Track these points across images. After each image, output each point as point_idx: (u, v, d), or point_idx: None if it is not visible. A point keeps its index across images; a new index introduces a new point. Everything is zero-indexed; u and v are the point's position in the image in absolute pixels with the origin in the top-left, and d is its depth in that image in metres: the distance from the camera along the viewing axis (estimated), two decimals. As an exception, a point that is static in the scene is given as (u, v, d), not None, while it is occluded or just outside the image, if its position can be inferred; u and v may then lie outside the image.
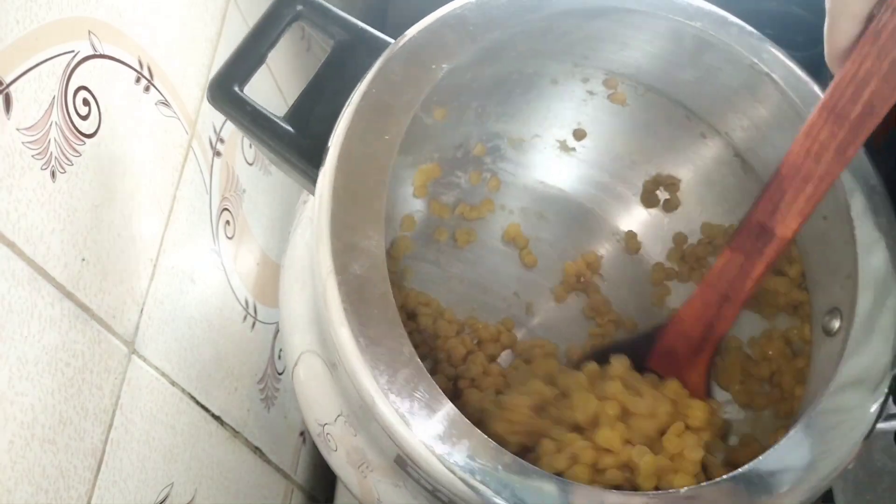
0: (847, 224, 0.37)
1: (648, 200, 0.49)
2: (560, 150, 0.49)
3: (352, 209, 0.33)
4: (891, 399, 0.34)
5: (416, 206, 0.48)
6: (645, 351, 0.41)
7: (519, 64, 0.44)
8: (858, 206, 0.37)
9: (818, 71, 0.41)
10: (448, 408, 0.30)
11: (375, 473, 0.37)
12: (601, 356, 0.41)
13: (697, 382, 0.40)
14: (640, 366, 0.41)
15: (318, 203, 0.33)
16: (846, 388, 0.33)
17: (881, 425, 0.33)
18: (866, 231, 0.36)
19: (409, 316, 0.44)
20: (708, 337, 0.39)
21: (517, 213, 0.50)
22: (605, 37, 0.42)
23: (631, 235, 0.50)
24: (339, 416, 0.37)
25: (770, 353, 0.43)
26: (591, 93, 0.47)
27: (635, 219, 0.51)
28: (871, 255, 0.36)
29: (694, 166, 0.48)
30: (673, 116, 0.46)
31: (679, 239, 0.49)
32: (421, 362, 0.31)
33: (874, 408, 0.33)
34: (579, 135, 0.49)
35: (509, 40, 0.40)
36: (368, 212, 0.33)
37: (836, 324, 0.37)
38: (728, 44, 0.40)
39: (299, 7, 0.38)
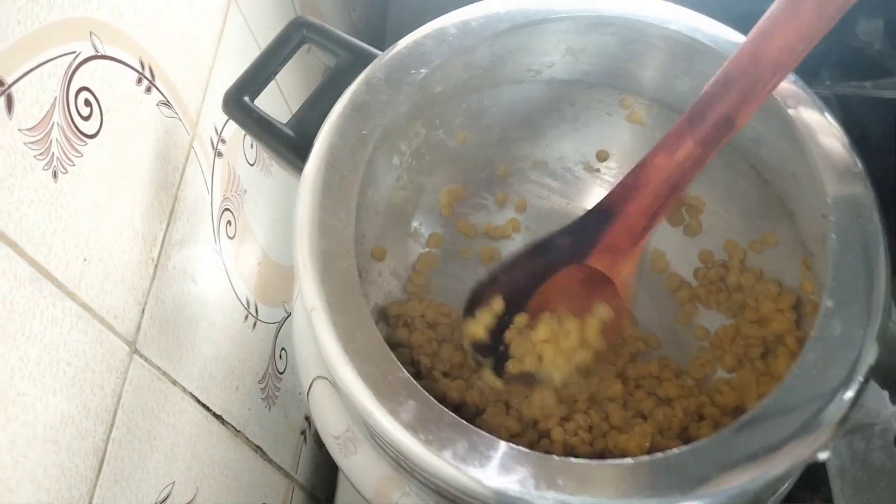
0: (838, 217, 0.36)
1: (673, 219, 0.49)
2: (584, 171, 0.50)
3: (328, 194, 0.37)
4: (889, 399, 0.33)
5: (443, 224, 0.50)
6: (584, 244, 0.41)
7: (530, 86, 0.46)
8: (841, 194, 0.36)
9: (816, 72, 0.41)
10: (403, 373, 0.32)
11: (388, 481, 0.38)
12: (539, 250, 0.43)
13: (630, 270, 0.40)
14: (577, 259, 0.41)
15: (300, 191, 0.37)
16: (815, 372, 0.32)
17: (878, 420, 0.33)
18: (846, 219, 0.36)
19: (430, 325, 0.46)
20: (649, 227, 0.39)
21: (542, 233, 0.50)
22: (594, 51, 0.43)
23: (658, 254, 0.50)
24: (346, 430, 0.40)
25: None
26: (609, 114, 0.47)
27: (661, 237, 0.50)
28: (849, 243, 0.35)
29: (714, 182, 0.47)
30: None
31: (705, 257, 0.48)
32: (374, 326, 0.33)
33: (848, 395, 0.32)
34: (602, 156, 0.49)
35: (505, 56, 0.42)
36: (341, 196, 0.37)
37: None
38: (711, 47, 0.40)
39: (304, 31, 0.43)
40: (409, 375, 0.32)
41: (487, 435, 0.31)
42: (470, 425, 0.31)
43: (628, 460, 0.31)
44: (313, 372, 0.42)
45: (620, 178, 0.49)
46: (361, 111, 0.39)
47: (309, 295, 0.34)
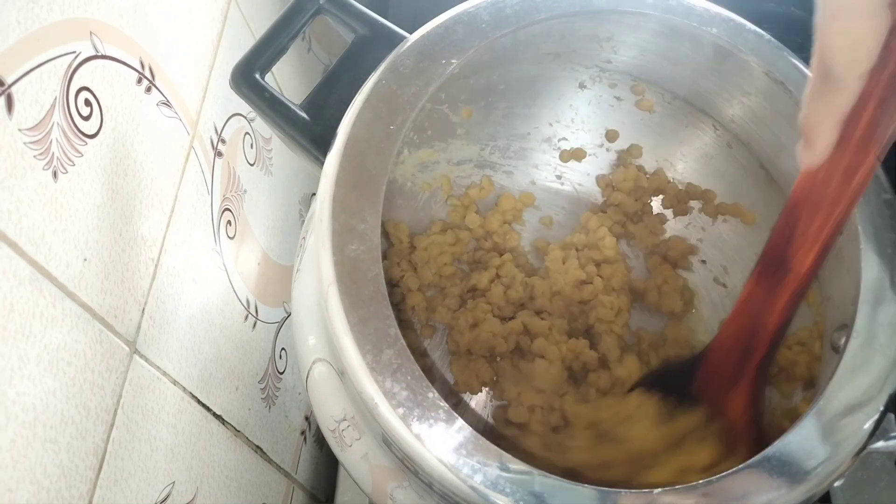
0: (857, 238, 0.36)
1: (679, 209, 0.50)
2: (590, 154, 0.50)
3: (352, 193, 0.34)
4: (893, 420, 0.33)
5: (439, 200, 0.49)
6: (691, 377, 0.40)
7: (545, 66, 0.45)
8: (867, 220, 0.36)
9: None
10: (431, 394, 0.31)
11: (384, 472, 0.38)
12: (652, 379, 0.42)
13: (741, 406, 0.38)
14: (687, 390, 0.40)
15: (322, 186, 0.35)
16: (839, 403, 0.33)
17: (880, 445, 0.33)
18: (873, 246, 0.36)
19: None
20: (746, 362, 0.38)
21: (546, 210, 0.50)
22: (623, 41, 0.42)
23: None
24: (343, 419, 0.39)
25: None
26: (618, 98, 0.47)
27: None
28: (875, 270, 0.35)
29: (720, 175, 0.48)
30: (699, 125, 0.46)
31: None
32: (405, 343, 0.32)
33: (868, 424, 0.32)
34: (611, 137, 0.49)
35: (530, 40, 0.41)
36: (367, 197, 0.34)
37: (843, 340, 0.36)
38: (743, 51, 0.40)
39: (322, 1, 0.40)
40: (437, 394, 0.32)
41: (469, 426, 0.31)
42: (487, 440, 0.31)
43: (657, 490, 0.31)
44: (313, 354, 0.40)
45: (616, 162, 0.49)
46: (389, 103, 0.36)
47: (334, 307, 0.32)
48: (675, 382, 0.40)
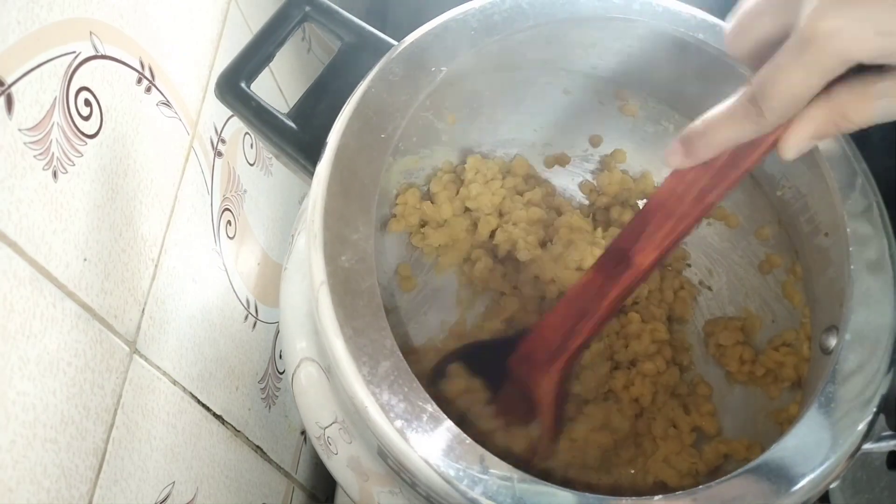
0: (845, 241, 0.36)
1: None
2: (574, 158, 0.50)
3: (344, 203, 0.34)
4: (885, 422, 0.33)
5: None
6: (510, 351, 0.42)
7: (530, 73, 0.45)
8: (857, 222, 0.36)
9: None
10: (430, 406, 0.31)
11: (373, 479, 0.37)
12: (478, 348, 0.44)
13: (548, 390, 0.40)
14: (503, 364, 0.41)
15: (312, 196, 0.34)
16: (833, 407, 0.33)
17: (871, 446, 0.33)
18: (863, 249, 0.36)
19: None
20: (563, 347, 0.39)
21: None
22: (609, 47, 0.42)
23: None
24: (334, 422, 0.38)
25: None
26: (602, 103, 0.47)
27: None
28: (867, 273, 0.35)
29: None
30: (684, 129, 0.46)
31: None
32: (401, 354, 0.32)
33: (861, 426, 0.32)
34: (595, 142, 0.49)
35: (515, 47, 0.41)
36: (359, 206, 0.34)
37: (833, 342, 0.36)
38: (729, 57, 0.40)
39: (307, 8, 0.39)
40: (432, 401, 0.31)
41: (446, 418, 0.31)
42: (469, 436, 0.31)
43: (647, 499, 0.30)
44: (300, 353, 0.40)
45: (598, 168, 0.50)
46: (379, 111, 0.36)
47: (328, 319, 0.32)
48: (488, 356, 0.42)
